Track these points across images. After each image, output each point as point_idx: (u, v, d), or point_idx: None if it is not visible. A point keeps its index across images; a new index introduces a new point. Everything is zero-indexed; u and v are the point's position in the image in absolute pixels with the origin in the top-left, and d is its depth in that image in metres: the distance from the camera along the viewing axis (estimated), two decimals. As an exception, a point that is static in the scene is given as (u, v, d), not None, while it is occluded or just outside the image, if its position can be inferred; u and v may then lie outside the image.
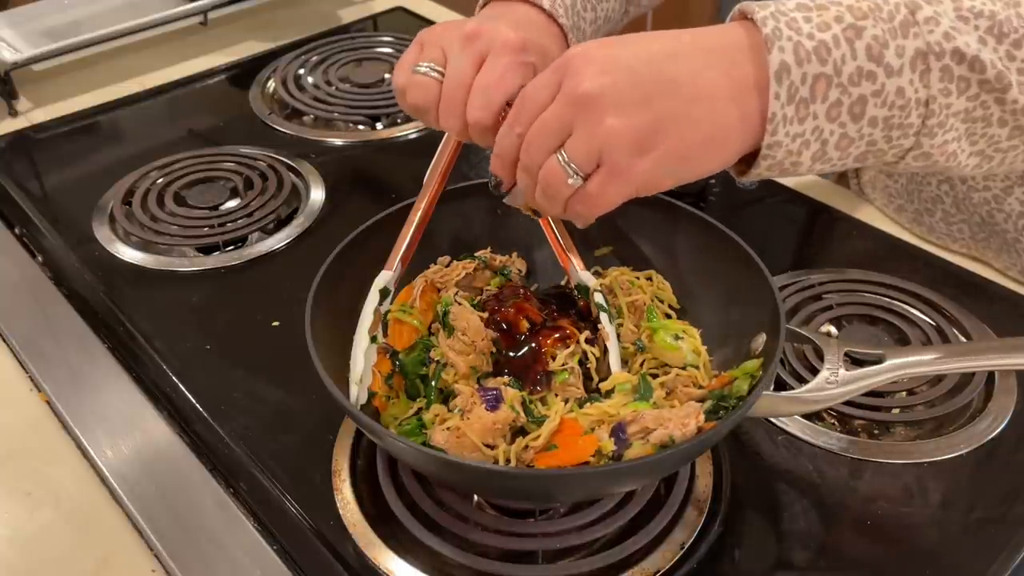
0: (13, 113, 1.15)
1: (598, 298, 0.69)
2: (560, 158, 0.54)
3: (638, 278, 0.73)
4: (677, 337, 0.68)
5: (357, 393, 0.63)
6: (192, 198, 0.98)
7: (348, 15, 1.39)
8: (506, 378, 0.65)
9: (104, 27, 1.19)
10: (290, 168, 1.02)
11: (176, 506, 0.66)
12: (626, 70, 0.53)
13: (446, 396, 0.65)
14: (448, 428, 0.60)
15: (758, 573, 0.63)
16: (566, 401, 0.64)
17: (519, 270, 0.76)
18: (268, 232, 0.94)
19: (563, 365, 0.65)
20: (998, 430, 0.71)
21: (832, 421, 0.73)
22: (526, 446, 0.60)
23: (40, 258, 0.91)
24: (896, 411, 0.73)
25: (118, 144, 1.11)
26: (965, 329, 0.79)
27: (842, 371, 0.62)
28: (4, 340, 0.82)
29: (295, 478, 0.68)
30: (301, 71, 1.21)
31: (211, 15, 1.30)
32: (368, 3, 1.42)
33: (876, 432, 0.72)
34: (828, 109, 0.52)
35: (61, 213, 0.97)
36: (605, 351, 0.67)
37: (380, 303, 0.68)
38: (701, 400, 0.63)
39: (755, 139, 0.54)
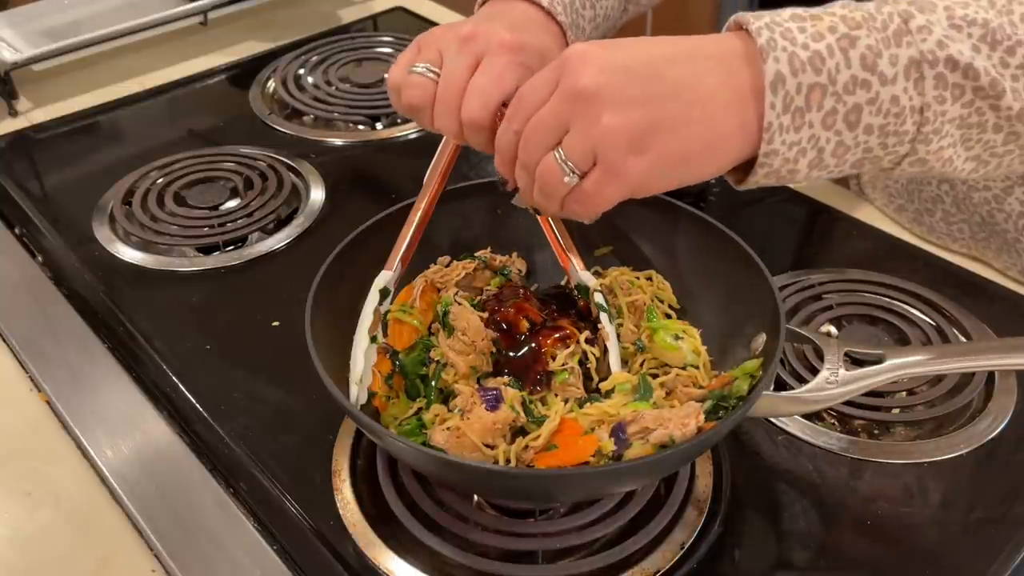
0: (13, 113, 1.15)
1: (598, 298, 0.69)
2: (557, 156, 0.54)
3: (638, 278, 0.73)
4: (677, 337, 0.68)
5: (357, 393, 0.63)
6: (192, 198, 0.98)
7: (348, 15, 1.39)
8: (506, 378, 0.65)
9: (104, 27, 1.19)
10: (290, 168, 1.02)
11: (176, 506, 0.66)
12: (625, 70, 0.53)
13: (446, 396, 0.65)
14: (448, 428, 0.60)
15: (758, 573, 0.63)
16: (566, 401, 0.64)
17: (519, 270, 0.76)
18: (268, 232, 0.94)
19: (563, 365, 0.65)
20: (998, 430, 0.71)
21: (832, 421, 0.73)
22: (526, 446, 0.60)
23: (40, 258, 0.91)
24: (896, 411, 0.73)
25: (118, 144, 1.11)
26: (965, 329, 0.79)
27: (842, 371, 0.62)
28: (4, 340, 0.82)
29: (295, 478, 0.68)
30: (301, 71, 1.21)
31: (211, 15, 1.30)
32: (368, 3, 1.42)
33: (876, 432, 0.72)
34: (824, 118, 0.53)
35: (61, 213, 0.97)
36: (605, 351, 0.67)
37: (380, 303, 0.68)
38: (701, 400, 0.63)
39: (752, 147, 0.54)
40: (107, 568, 0.64)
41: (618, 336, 0.68)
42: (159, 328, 0.82)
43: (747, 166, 0.56)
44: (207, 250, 0.92)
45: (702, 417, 0.58)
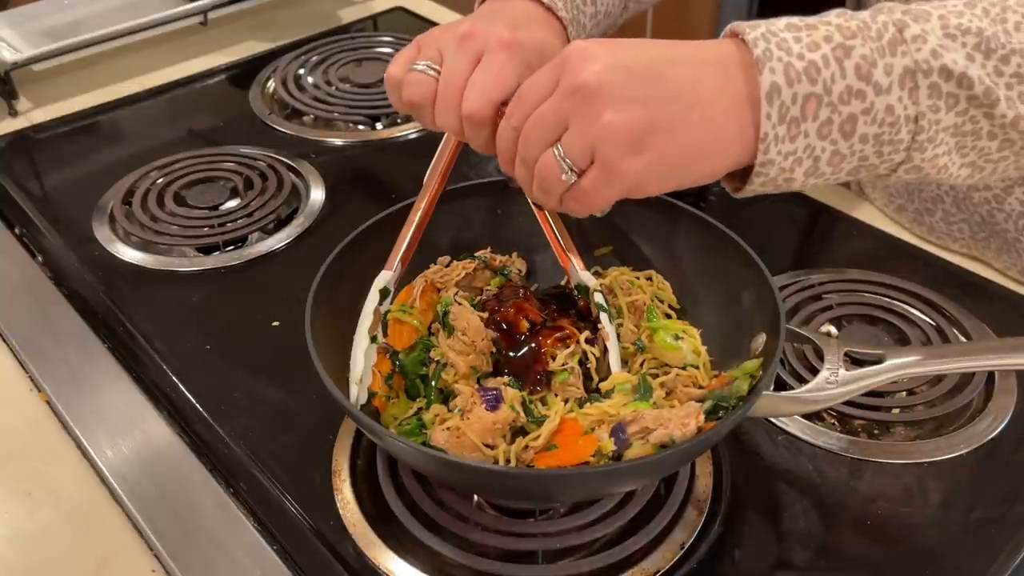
0: (13, 113, 1.15)
1: (598, 298, 0.69)
2: (556, 152, 0.55)
3: (638, 278, 0.73)
4: (677, 337, 0.68)
5: (357, 393, 0.63)
6: (192, 198, 0.98)
7: (348, 15, 1.39)
8: (506, 378, 0.65)
9: (104, 27, 1.19)
10: (290, 168, 1.02)
11: (176, 506, 0.66)
12: (626, 70, 0.53)
13: (446, 396, 0.65)
14: (448, 428, 0.60)
15: (758, 573, 0.63)
16: (566, 401, 0.64)
17: (519, 270, 0.76)
18: (268, 232, 0.94)
19: (563, 365, 0.65)
20: (998, 430, 0.71)
21: (832, 421, 0.73)
22: (526, 446, 0.60)
23: (40, 258, 0.91)
24: (896, 411, 0.73)
25: (118, 144, 1.11)
26: (965, 329, 0.79)
27: (842, 371, 0.62)
28: (4, 340, 0.82)
29: (295, 478, 0.68)
30: (301, 71, 1.21)
31: (211, 15, 1.30)
32: (368, 3, 1.42)
33: (876, 432, 0.72)
34: (819, 127, 0.53)
35: (61, 213, 0.97)
36: (605, 351, 0.67)
37: (380, 303, 0.68)
38: (701, 400, 0.63)
39: (749, 153, 0.54)
40: (107, 568, 0.64)
41: (618, 336, 0.68)
42: (159, 328, 0.82)
43: (744, 174, 0.56)
44: (207, 250, 0.92)
45: (702, 417, 0.58)
